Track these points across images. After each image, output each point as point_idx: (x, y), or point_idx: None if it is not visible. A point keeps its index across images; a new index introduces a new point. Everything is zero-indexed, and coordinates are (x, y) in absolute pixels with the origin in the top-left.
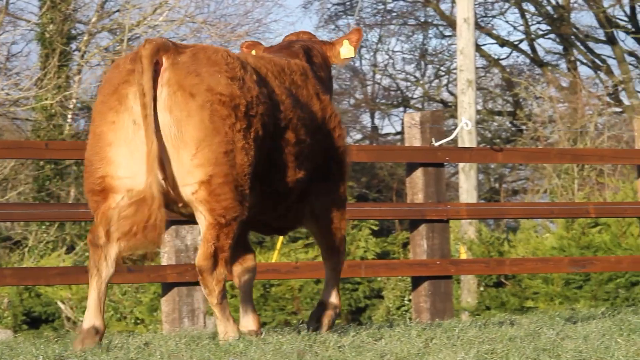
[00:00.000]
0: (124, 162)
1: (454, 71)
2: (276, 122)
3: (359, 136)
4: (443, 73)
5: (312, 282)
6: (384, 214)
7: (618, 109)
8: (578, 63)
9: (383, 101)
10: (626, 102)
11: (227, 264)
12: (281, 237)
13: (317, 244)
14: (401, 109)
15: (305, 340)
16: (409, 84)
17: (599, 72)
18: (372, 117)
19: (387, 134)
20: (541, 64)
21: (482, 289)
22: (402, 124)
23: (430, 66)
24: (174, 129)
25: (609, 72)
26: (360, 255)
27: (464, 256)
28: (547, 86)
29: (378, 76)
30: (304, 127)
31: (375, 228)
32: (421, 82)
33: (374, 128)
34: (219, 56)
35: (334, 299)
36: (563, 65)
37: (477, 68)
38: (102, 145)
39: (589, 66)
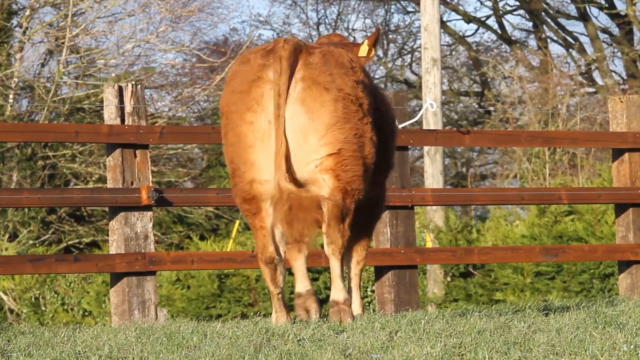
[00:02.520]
0: (264, 165)
1: (418, 49)
2: (374, 115)
3: None
4: (406, 51)
5: None
6: None
7: (591, 90)
8: (549, 41)
9: None
10: (600, 82)
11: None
12: (236, 224)
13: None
14: None
15: (263, 334)
16: (370, 63)
17: (570, 50)
18: None
19: None
20: (510, 41)
21: (449, 279)
22: None
23: (392, 44)
24: (306, 118)
25: (582, 50)
26: (322, 243)
27: (429, 245)
28: (516, 65)
29: None
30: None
31: None
32: (383, 61)
33: None
34: (345, 60)
35: (357, 305)
36: (533, 42)
37: (442, 46)
38: (245, 147)
39: (560, 44)
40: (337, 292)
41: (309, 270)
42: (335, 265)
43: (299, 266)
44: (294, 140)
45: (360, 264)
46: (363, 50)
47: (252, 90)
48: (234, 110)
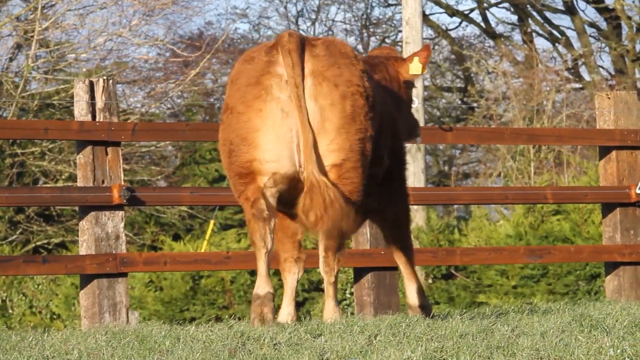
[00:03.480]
0: (270, 147)
1: (400, 43)
2: (377, 108)
3: None
4: (387, 45)
5: (245, 273)
6: None
7: (578, 85)
8: (534, 35)
9: None
10: (586, 77)
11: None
12: (211, 224)
13: (389, 237)
14: None
15: (238, 337)
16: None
17: (557, 44)
18: None
19: None
20: (494, 35)
21: (430, 281)
22: None
23: (373, 37)
24: (318, 116)
25: (568, 45)
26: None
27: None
28: (500, 60)
29: None
30: (389, 116)
31: None
32: (364, 55)
33: None
34: (347, 49)
35: (416, 301)
36: (518, 37)
37: (424, 40)
38: (249, 130)
39: (546, 38)
40: (328, 313)
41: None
42: (330, 289)
43: (263, 265)
44: (305, 137)
45: (409, 262)
46: (416, 68)
47: (260, 83)
48: (241, 102)
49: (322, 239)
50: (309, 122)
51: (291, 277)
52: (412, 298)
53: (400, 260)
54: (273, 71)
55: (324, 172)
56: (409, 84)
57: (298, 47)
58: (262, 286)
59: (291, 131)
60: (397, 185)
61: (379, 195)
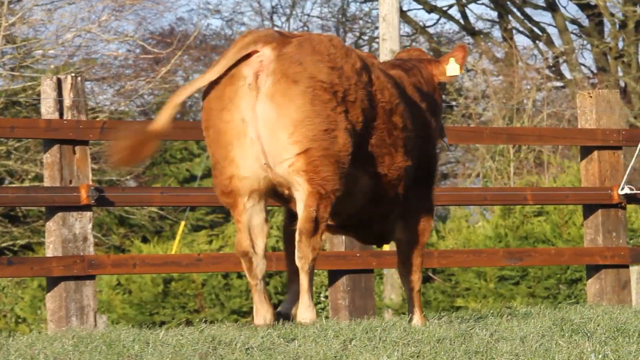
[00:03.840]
0: (241, 163)
1: (376, 40)
2: (380, 106)
3: None
4: (364, 42)
5: (216, 276)
6: None
7: (559, 84)
8: (514, 32)
9: None
10: (568, 75)
11: (323, 235)
12: (182, 225)
13: (398, 254)
14: None
15: (209, 342)
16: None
17: (537, 42)
18: None
19: None
20: (473, 32)
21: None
22: None
23: (349, 34)
24: (275, 114)
25: (549, 42)
26: (272, 245)
27: (387, 247)
28: (479, 57)
29: None
30: (410, 117)
31: None
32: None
33: None
34: (322, 46)
35: (418, 322)
36: (498, 34)
37: (401, 36)
38: (224, 144)
39: (526, 35)
40: (304, 311)
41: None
42: (304, 280)
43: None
44: (266, 138)
45: (414, 290)
46: (454, 69)
47: (226, 88)
48: (213, 108)
49: (298, 223)
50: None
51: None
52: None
53: (405, 285)
54: (237, 73)
55: (281, 169)
56: (442, 86)
57: (247, 45)
58: (259, 314)
59: (252, 141)
60: (422, 192)
61: (406, 207)
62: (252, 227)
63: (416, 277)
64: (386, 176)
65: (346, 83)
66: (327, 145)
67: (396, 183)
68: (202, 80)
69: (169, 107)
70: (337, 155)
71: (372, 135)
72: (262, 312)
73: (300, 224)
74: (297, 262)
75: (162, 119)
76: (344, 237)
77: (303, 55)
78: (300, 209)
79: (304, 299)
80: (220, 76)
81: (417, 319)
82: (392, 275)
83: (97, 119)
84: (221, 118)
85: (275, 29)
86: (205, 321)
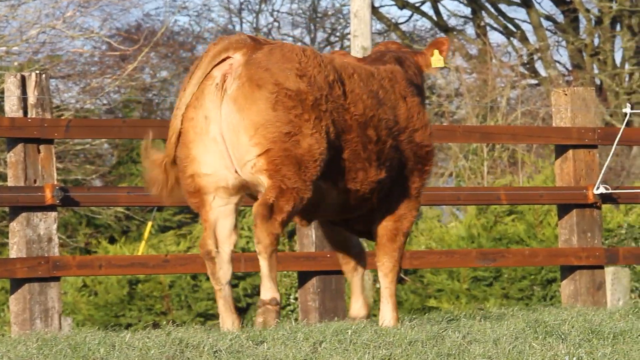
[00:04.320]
0: (203, 160)
1: (348, 37)
2: (353, 119)
3: None
4: (335, 39)
5: (184, 277)
6: None
7: (533, 81)
8: (488, 28)
9: None
10: (543, 73)
11: (283, 227)
12: (149, 226)
13: (377, 246)
14: None
15: (176, 345)
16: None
17: (512, 38)
18: None
19: None
20: (446, 29)
21: (378, 285)
22: None
23: (321, 30)
24: (237, 117)
25: (524, 39)
26: (242, 246)
27: None
28: (452, 55)
29: None
30: (387, 128)
31: None
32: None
33: None
34: (293, 54)
35: (388, 318)
36: (471, 30)
37: (373, 33)
38: (185, 142)
39: (500, 32)
40: (264, 292)
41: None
42: (263, 264)
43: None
44: (229, 140)
45: (388, 275)
46: (438, 61)
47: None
48: (179, 107)
49: (253, 207)
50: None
51: (355, 277)
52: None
53: (380, 272)
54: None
55: (245, 171)
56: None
57: (217, 53)
58: (226, 321)
59: (216, 140)
60: (409, 186)
61: (389, 202)
62: (219, 228)
63: (390, 267)
64: (358, 191)
65: (317, 92)
66: (289, 147)
67: (369, 196)
68: (185, 96)
69: (172, 136)
70: (301, 159)
71: (344, 149)
72: (228, 322)
73: (254, 207)
74: (256, 248)
75: (169, 149)
76: (314, 237)
77: (272, 61)
78: (256, 200)
79: (264, 282)
80: (189, 74)
81: (387, 318)
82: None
83: (62, 117)
84: (186, 116)
85: (249, 34)
86: (173, 323)
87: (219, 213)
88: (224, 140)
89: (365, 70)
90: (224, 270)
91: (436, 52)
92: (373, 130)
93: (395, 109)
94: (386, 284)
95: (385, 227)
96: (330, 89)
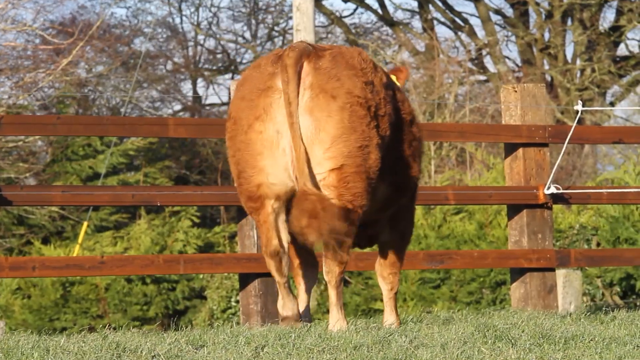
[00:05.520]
0: (272, 171)
1: (290, 31)
2: (401, 119)
3: (178, 107)
4: (277, 33)
5: (121, 279)
6: (206, 199)
7: (482, 77)
8: (435, 22)
9: (207, 66)
10: (491, 69)
11: (349, 250)
12: (84, 226)
13: (382, 255)
14: (228, 75)
15: (113, 349)
16: (237, 46)
17: (459, 33)
18: (194, 84)
19: (212, 105)
20: (392, 23)
21: (322, 287)
22: (229, 92)
23: (262, 25)
24: (312, 128)
25: (472, 33)
26: (179, 249)
27: None
28: (399, 50)
29: (201, 36)
30: (413, 126)
31: (197, 220)
32: (252, 44)
33: (196, 98)
34: (355, 61)
35: (394, 324)
36: (418, 24)
37: (316, 27)
38: (253, 154)
39: (448, 26)
40: (334, 322)
41: (161, 279)
42: (332, 293)
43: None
44: (307, 151)
45: (392, 290)
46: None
47: (261, 100)
48: (243, 117)
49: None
50: (302, 138)
51: (304, 282)
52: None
53: (384, 286)
54: (274, 85)
55: (317, 184)
56: None
57: (296, 62)
58: (286, 306)
59: (285, 151)
60: (410, 196)
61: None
62: (279, 227)
63: (397, 279)
64: (401, 185)
65: (377, 97)
66: (360, 162)
67: (407, 192)
68: (293, 111)
69: (301, 162)
70: (368, 172)
71: (396, 148)
72: (290, 305)
73: (325, 239)
74: (325, 276)
75: (303, 177)
76: (256, 239)
77: (339, 70)
78: (323, 225)
79: (333, 312)
80: (253, 86)
81: (392, 320)
82: None
83: None
84: (253, 128)
85: (193, 28)
86: (109, 327)
87: (277, 214)
88: (292, 152)
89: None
90: (287, 264)
91: (393, 77)
92: (416, 127)
93: (410, 111)
94: (390, 296)
95: (394, 244)
96: (385, 90)
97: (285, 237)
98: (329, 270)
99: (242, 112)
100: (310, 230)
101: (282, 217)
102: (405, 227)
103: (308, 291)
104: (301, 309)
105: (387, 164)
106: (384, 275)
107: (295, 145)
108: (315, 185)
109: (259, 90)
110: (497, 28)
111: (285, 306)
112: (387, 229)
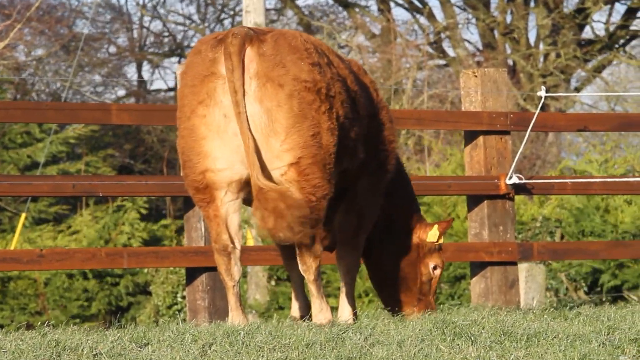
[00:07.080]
0: (219, 155)
1: (240, 13)
2: (349, 97)
3: (122, 92)
4: (226, 16)
5: (61, 274)
6: (151, 190)
7: (441, 62)
8: (392, 4)
9: (152, 49)
10: (451, 53)
11: (320, 241)
12: (22, 218)
13: (338, 239)
14: (175, 59)
15: (52, 347)
16: (184, 28)
17: (418, 15)
18: (139, 68)
19: (158, 90)
20: (347, 4)
21: (273, 283)
22: (176, 77)
23: (211, 7)
24: (264, 119)
25: (431, 16)
26: (124, 242)
27: (251, 243)
28: (354, 33)
29: (146, 18)
30: (366, 107)
31: (145, 212)
32: (200, 26)
33: (141, 82)
34: (298, 42)
35: (347, 313)
36: (374, 6)
37: (267, 10)
38: (196, 139)
39: (405, 8)
40: (318, 315)
41: (104, 273)
42: (313, 287)
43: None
44: (260, 141)
45: (350, 273)
46: (433, 236)
47: (204, 85)
48: (186, 104)
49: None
50: (249, 127)
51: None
52: (344, 316)
53: (342, 269)
54: (217, 72)
55: (272, 176)
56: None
57: (240, 49)
58: (236, 320)
59: (236, 135)
60: (376, 182)
61: (354, 194)
62: (230, 223)
63: (350, 261)
64: (354, 164)
65: (326, 77)
66: (315, 151)
67: (358, 174)
68: (239, 100)
69: (251, 154)
70: (324, 159)
71: (351, 129)
72: (237, 320)
73: (296, 241)
74: (303, 274)
75: (255, 170)
76: (203, 231)
77: (283, 54)
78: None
79: (316, 304)
80: (195, 73)
81: (346, 314)
82: (256, 274)
83: None
84: (196, 112)
85: (138, 9)
86: (48, 324)
87: (229, 208)
88: (253, 138)
89: (335, 53)
90: (238, 266)
91: (436, 227)
92: (360, 108)
93: (368, 93)
94: (345, 281)
95: (348, 224)
96: (330, 70)
97: (236, 232)
98: (306, 267)
99: (185, 98)
100: (279, 231)
101: (234, 210)
102: (359, 208)
103: (301, 291)
104: (304, 313)
105: (342, 147)
106: (338, 258)
107: (244, 136)
108: (268, 176)
109: (202, 76)
110: (457, 10)
111: (233, 320)
112: (342, 209)
